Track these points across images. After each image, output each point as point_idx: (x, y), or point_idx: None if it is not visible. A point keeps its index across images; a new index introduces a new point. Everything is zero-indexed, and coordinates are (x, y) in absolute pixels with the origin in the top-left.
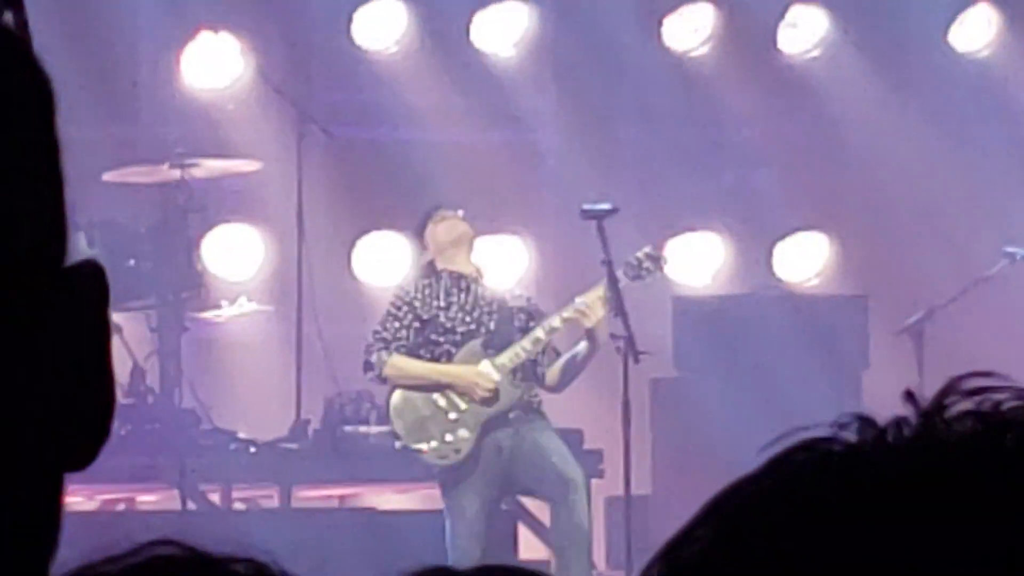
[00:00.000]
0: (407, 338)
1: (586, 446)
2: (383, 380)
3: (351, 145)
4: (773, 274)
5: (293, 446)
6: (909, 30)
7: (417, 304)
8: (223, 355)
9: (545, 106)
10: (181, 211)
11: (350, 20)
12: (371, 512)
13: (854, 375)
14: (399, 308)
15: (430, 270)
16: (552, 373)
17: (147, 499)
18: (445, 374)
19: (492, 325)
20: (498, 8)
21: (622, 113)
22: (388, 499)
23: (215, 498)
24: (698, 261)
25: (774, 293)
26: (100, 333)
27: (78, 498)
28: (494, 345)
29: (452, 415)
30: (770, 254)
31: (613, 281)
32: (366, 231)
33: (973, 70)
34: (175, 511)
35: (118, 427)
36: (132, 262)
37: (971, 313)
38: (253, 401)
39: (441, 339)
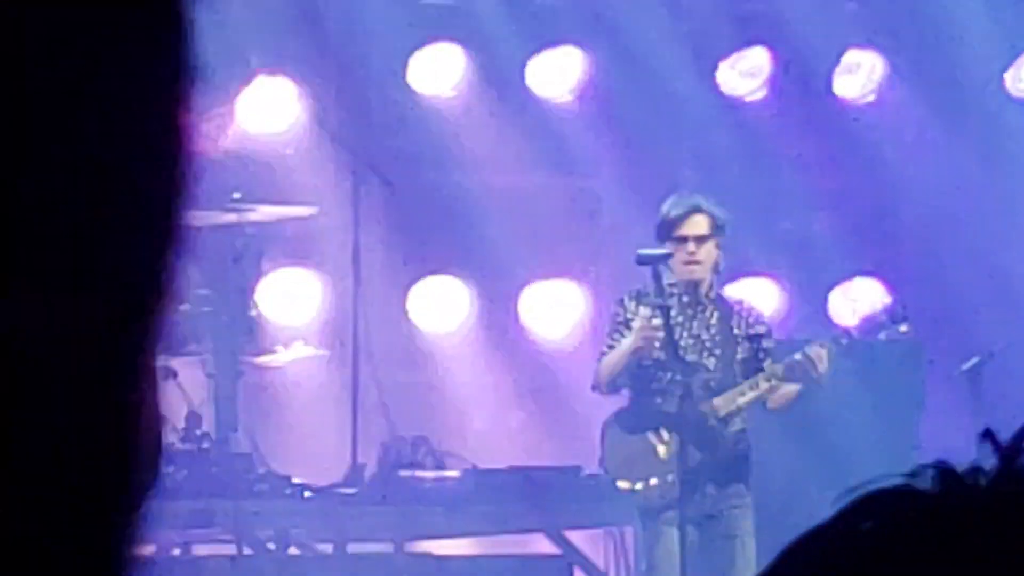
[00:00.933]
0: None
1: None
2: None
3: (407, 190)
4: (829, 319)
5: (349, 491)
6: (966, 74)
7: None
8: (279, 400)
9: (601, 151)
10: (237, 256)
11: (406, 65)
12: (427, 557)
13: (910, 420)
14: None
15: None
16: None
17: (203, 545)
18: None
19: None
20: (553, 53)
21: (678, 158)
22: (444, 544)
23: (271, 544)
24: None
25: (828, 337)
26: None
27: None
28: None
29: (662, 452)
30: (826, 299)
31: (668, 327)
32: (422, 276)
33: None
34: (231, 555)
35: (174, 472)
36: (187, 307)
37: None
38: (309, 446)
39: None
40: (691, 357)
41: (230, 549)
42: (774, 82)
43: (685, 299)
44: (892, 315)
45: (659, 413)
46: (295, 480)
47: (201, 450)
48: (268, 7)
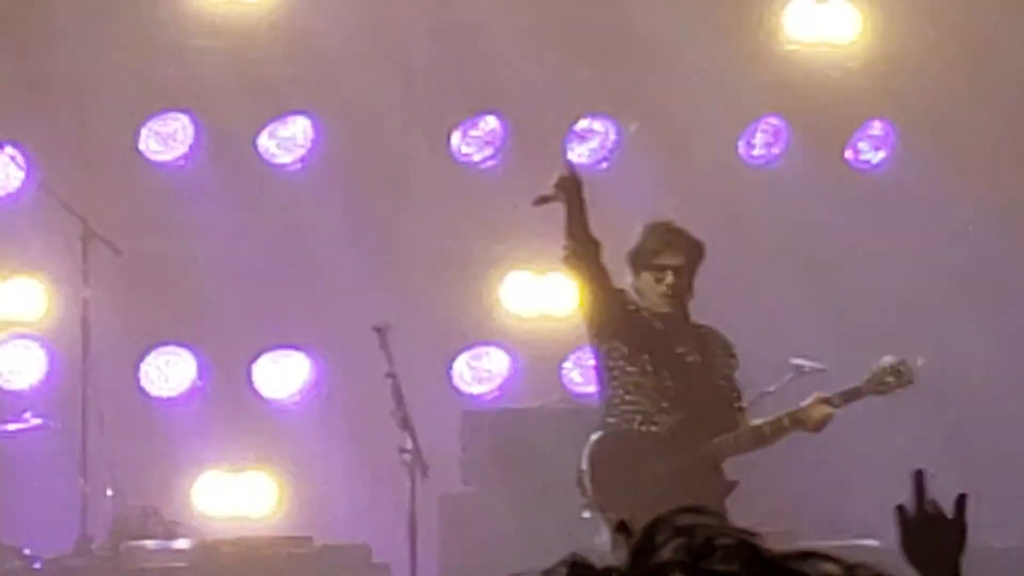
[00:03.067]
0: None
1: (374, 560)
2: None
3: (137, 257)
4: (562, 387)
5: (78, 562)
6: (700, 142)
7: None
8: (6, 470)
9: (332, 219)
10: None
11: (137, 133)
12: None
13: None
14: None
15: None
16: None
17: None
18: None
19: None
20: (284, 122)
21: (410, 225)
22: None
23: None
24: (487, 374)
25: (564, 406)
26: None
27: None
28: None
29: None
30: (559, 367)
31: (398, 395)
32: (153, 343)
33: (762, 181)
34: None
35: None
36: None
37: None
38: (38, 517)
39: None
40: (672, 392)
41: None
42: (507, 149)
43: (658, 327)
44: None
45: (651, 442)
46: (25, 551)
47: None
48: None
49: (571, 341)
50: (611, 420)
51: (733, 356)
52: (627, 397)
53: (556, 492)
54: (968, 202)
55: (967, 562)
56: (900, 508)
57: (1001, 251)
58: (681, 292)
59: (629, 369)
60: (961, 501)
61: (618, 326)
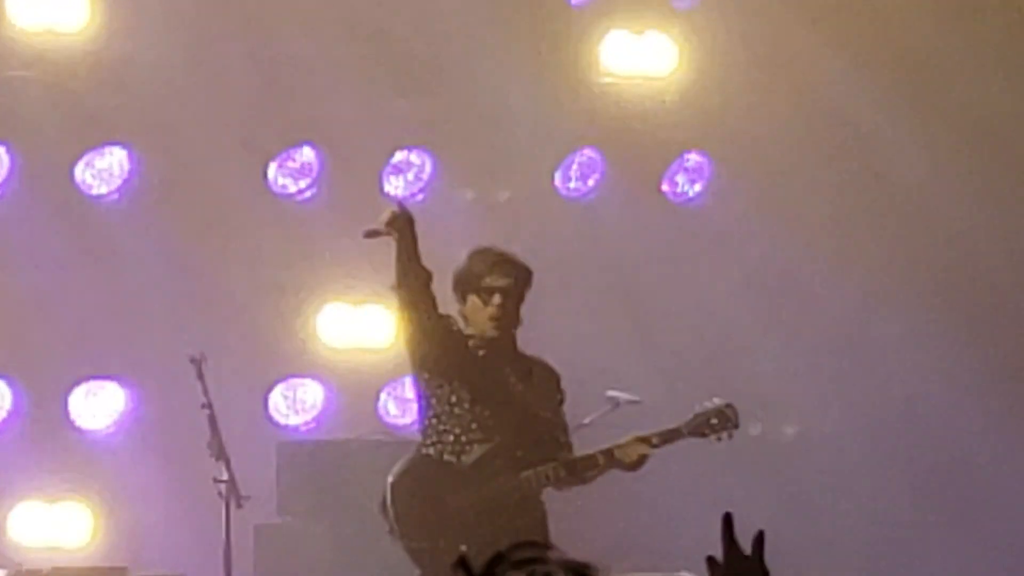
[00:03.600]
0: None
1: None
2: None
3: None
4: (378, 419)
5: None
6: (516, 174)
7: None
8: None
9: (148, 249)
10: None
11: None
12: None
13: None
14: None
15: None
16: None
17: None
18: None
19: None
20: (100, 152)
21: (227, 256)
22: None
23: None
24: (302, 406)
25: (378, 438)
26: None
27: None
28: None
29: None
30: (376, 398)
31: (213, 426)
32: None
33: (579, 213)
34: None
35: None
36: None
37: None
38: None
39: None
40: (490, 422)
41: None
42: (323, 180)
43: (482, 354)
44: None
45: (456, 472)
46: None
47: None
48: None
49: (387, 373)
50: (425, 450)
51: (559, 389)
52: (440, 427)
53: (372, 523)
54: (783, 232)
55: None
56: (710, 560)
57: (817, 279)
58: (509, 315)
59: (446, 398)
60: (759, 538)
61: (441, 354)
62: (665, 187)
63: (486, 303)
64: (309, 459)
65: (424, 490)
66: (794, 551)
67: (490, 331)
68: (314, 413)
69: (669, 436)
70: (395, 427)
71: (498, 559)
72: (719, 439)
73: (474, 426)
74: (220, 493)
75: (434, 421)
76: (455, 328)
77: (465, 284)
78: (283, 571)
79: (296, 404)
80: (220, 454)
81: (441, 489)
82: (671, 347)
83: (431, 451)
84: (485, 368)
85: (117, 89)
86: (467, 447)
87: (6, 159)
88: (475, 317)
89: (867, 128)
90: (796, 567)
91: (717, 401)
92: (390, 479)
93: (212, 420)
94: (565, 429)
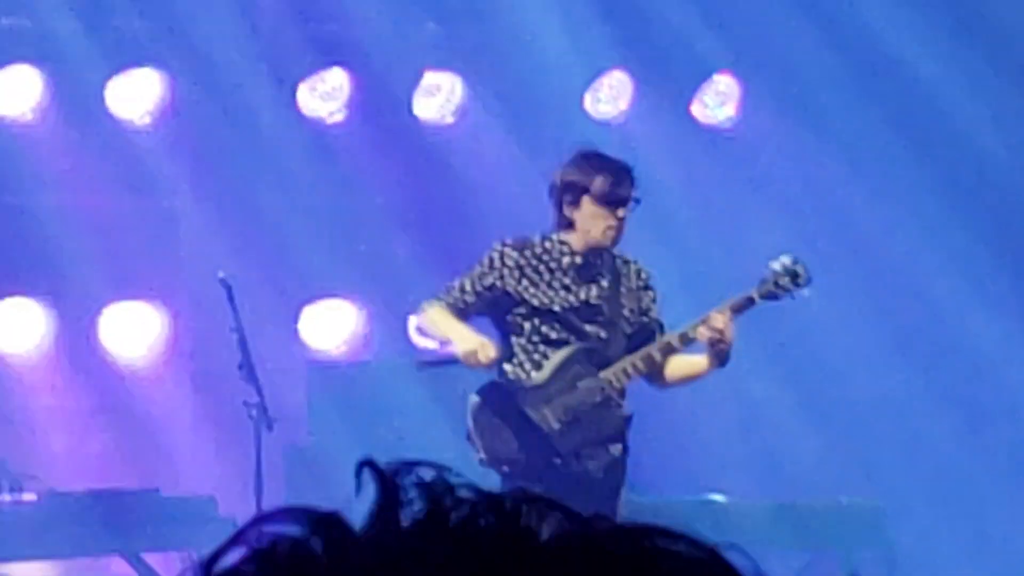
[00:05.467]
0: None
1: (220, 512)
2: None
3: None
4: (410, 341)
5: None
6: (545, 95)
7: None
8: None
9: (180, 172)
10: None
11: None
12: None
13: None
14: None
15: None
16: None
17: None
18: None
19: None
20: (132, 74)
21: (257, 180)
22: (21, 568)
23: None
24: (333, 328)
25: (410, 359)
26: None
27: None
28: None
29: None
30: (406, 322)
31: (244, 349)
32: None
33: (610, 136)
34: None
35: None
36: None
37: None
38: None
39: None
40: (576, 324)
41: None
42: (353, 103)
43: (578, 261)
44: None
45: (537, 388)
46: None
47: None
48: None
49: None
50: (506, 367)
51: (649, 288)
52: (521, 341)
53: (401, 444)
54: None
55: None
56: None
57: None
58: (623, 226)
59: (526, 322)
60: None
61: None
62: (695, 108)
63: (611, 214)
64: (340, 381)
65: (505, 412)
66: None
67: (605, 240)
68: (344, 335)
69: (740, 304)
70: (425, 350)
71: (406, 469)
72: (792, 297)
73: (552, 335)
74: (251, 415)
75: (516, 339)
76: (533, 257)
77: (581, 189)
78: (314, 491)
79: (327, 327)
80: (250, 377)
81: (522, 406)
82: (702, 273)
83: (507, 367)
84: (571, 286)
85: (146, 12)
86: (546, 356)
87: (39, 82)
88: (590, 224)
89: (899, 52)
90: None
91: (784, 259)
92: (469, 406)
93: (243, 343)
94: (658, 327)
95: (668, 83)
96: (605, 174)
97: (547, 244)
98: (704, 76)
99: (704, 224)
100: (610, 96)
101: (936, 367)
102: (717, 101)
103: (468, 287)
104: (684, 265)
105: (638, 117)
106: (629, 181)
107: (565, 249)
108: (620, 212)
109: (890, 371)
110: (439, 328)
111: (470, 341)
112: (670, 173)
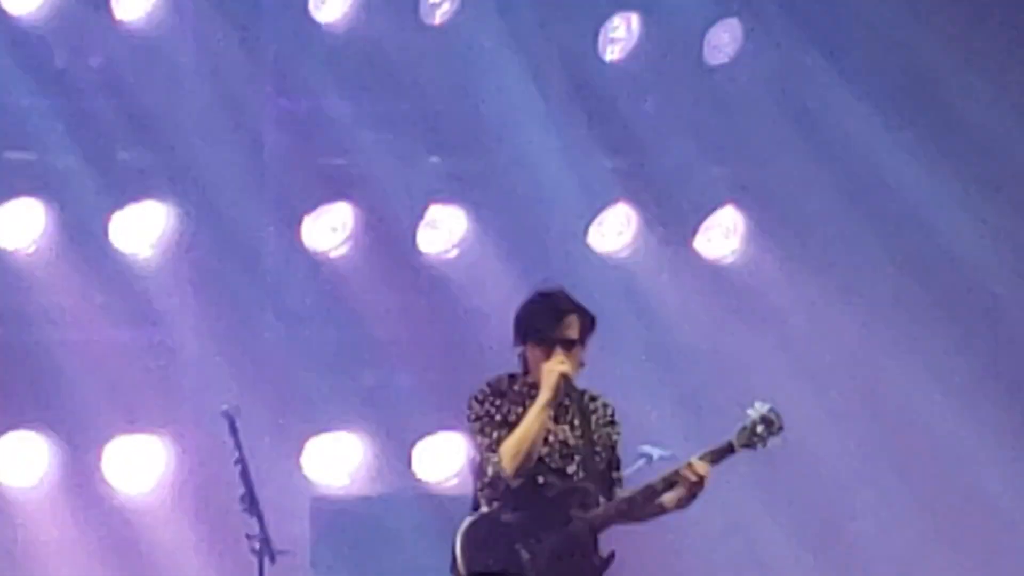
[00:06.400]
0: None
1: None
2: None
3: None
4: (412, 474)
5: None
6: (549, 228)
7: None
8: None
9: (182, 305)
10: None
11: None
12: None
13: None
14: None
15: None
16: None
17: None
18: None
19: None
20: (136, 208)
21: (260, 313)
22: None
23: None
24: (336, 461)
25: (413, 493)
26: None
27: None
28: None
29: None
30: (409, 454)
31: (247, 480)
32: (3, 432)
33: (613, 269)
34: None
35: None
36: None
37: None
38: None
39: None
40: (555, 464)
41: None
42: (358, 237)
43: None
44: None
45: (525, 522)
46: None
47: None
48: None
49: (421, 427)
50: (486, 507)
51: (615, 423)
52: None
53: None
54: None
55: None
56: None
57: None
58: (576, 364)
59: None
60: None
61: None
62: (697, 242)
63: (553, 354)
64: (343, 514)
65: (494, 543)
66: None
67: (550, 381)
68: (348, 468)
69: (721, 453)
70: (428, 482)
71: None
72: (766, 445)
73: (534, 475)
74: (253, 549)
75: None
76: (512, 386)
77: (533, 331)
78: None
79: (330, 459)
80: (252, 509)
81: (512, 539)
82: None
83: (492, 507)
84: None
85: (150, 144)
86: (527, 498)
87: (43, 215)
88: (536, 366)
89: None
90: None
91: (759, 406)
92: (458, 536)
93: (245, 474)
94: (619, 465)
95: (672, 216)
96: (548, 316)
97: (515, 386)
98: (708, 209)
99: (706, 358)
100: (614, 229)
101: (946, 513)
102: (721, 234)
103: (495, 429)
104: (684, 399)
105: (642, 250)
106: (579, 323)
107: (534, 392)
108: (563, 355)
109: (897, 513)
110: (524, 429)
111: (550, 375)
112: (673, 306)
